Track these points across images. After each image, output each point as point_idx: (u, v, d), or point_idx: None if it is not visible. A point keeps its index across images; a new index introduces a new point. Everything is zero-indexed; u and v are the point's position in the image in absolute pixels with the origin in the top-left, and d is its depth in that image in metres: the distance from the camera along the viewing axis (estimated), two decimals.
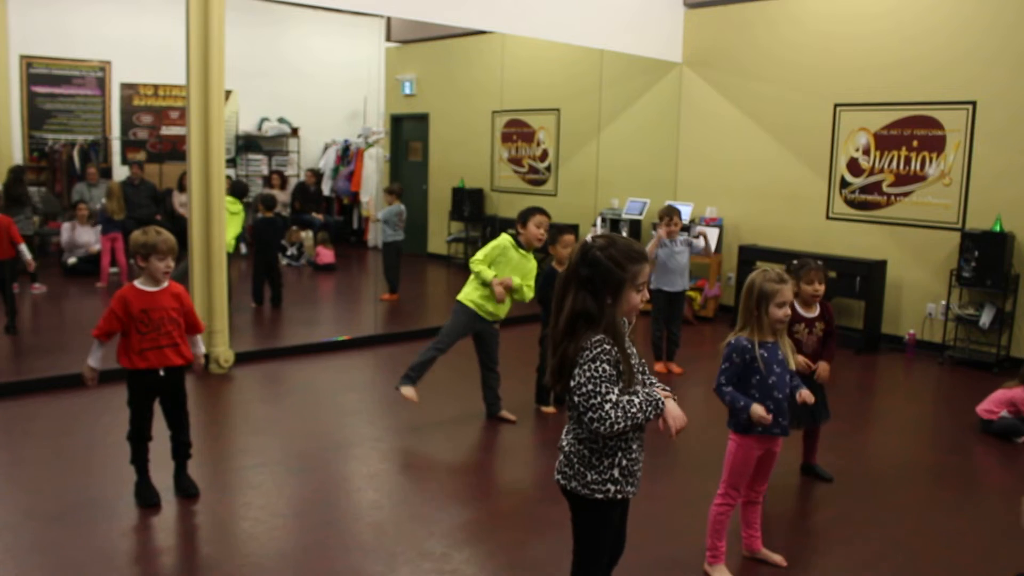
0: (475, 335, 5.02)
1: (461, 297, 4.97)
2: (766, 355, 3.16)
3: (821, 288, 4.09)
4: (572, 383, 2.22)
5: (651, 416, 2.24)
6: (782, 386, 3.18)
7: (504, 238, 4.96)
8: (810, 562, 3.43)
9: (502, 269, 4.89)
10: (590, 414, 2.18)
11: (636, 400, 2.22)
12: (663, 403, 2.27)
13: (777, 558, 3.37)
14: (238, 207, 7.83)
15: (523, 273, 4.96)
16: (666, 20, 8.58)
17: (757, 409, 3.09)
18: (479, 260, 4.91)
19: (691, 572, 3.28)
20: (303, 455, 4.43)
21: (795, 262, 4.21)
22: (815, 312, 4.13)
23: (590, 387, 2.18)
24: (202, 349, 4.03)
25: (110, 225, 8.88)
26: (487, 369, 5.07)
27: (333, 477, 4.22)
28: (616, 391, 2.19)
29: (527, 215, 4.91)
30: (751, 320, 3.19)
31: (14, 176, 8.22)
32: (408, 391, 4.84)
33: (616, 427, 2.18)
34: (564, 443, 2.38)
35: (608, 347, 2.19)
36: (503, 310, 4.96)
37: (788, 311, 3.20)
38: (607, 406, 2.17)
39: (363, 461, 4.40)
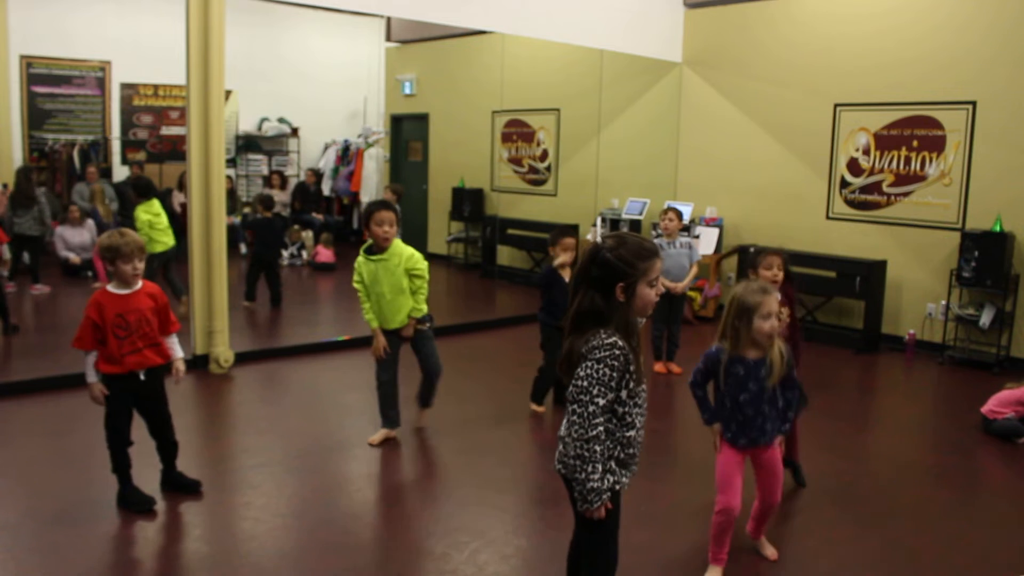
0: (411, 346, 4.67)
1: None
2: (742, 372, 3.10)
3: (780, 274, 3.99)
4: (575, 377, 2.27)
5: (587, 485, 2.25)
6: (757, 403, 3.11)
7: (359, 259, 4.50)
8: (810, 562, 3.43)
9: (375, 285, 4.45)
10: (576, 408, 2.25)
11: (601, 454, 2.25)
12: (601, 500, 2.28)
13: (770, 551, 3.40)
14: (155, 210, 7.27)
15: (393, 279, 4.43)
16: (666, 20, 8.58)
17: (714, 430, 3.27)
18: (363, 300, 4.54)
19: (691, 572, 3.28)
20: (303, 455, 4.43)
21: (751, 249, 4.11)
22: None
23: (585, 384, 2.24)
24: (179, 352, 3.82)
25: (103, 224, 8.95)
26: (426, 368, 4.77)
27: (333, 477, 4.23)
28: (608, 398, 2.24)
29: (367, 216, 4.40)
30: (729, 332, 3.15)
31: (24, 175, 8.30)
32: (385, 433, 4.64)
33: (581, 432, 2.24)
34: (564, 432, 2.41)
35: (618, 351, 2.24)
36: (398, 317, 4.51)
37: (775, 323, 3.07)
38: (592, 407, 2.23)
39: (363, 461, 4.40)
